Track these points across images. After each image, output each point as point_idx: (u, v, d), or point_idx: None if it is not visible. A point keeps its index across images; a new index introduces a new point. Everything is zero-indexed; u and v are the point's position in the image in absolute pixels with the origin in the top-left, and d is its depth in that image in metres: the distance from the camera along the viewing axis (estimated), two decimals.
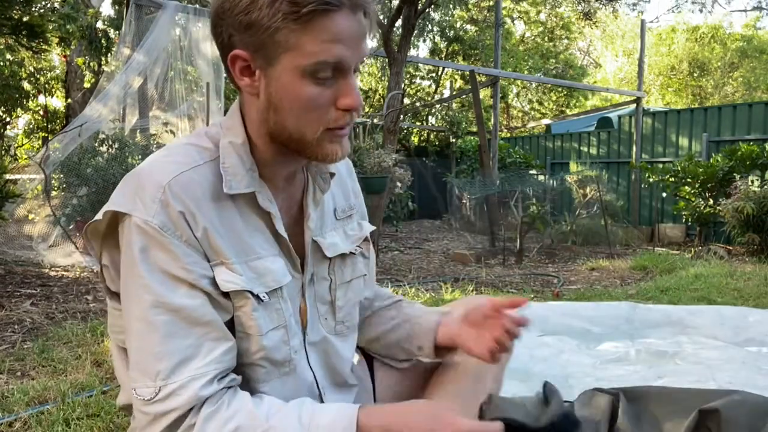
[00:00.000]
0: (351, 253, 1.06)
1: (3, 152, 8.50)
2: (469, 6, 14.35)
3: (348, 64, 0.82)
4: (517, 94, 18.18)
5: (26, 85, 8.57)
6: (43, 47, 5.10)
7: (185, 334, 0.81)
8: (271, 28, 0.79)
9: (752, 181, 6.26)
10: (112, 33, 8.36)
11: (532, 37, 17.36)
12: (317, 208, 1.00)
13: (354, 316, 1.08)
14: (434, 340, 1.10)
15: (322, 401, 1.01)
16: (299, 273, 0.98)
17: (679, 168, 7.28)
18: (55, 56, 9.57)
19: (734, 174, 6.72)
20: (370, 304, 1.20)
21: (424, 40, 14.85)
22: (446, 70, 14.77)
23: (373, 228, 1.15)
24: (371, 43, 0.87)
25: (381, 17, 8.05)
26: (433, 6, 11.62)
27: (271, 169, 0.92)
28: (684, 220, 7.62)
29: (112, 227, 0.87)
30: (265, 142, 0.90)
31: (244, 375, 0.90)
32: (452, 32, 14.32)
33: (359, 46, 0.83)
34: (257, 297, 0.88)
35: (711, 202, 7.02)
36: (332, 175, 1.01)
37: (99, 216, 0.86)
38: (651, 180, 7.94)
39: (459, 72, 14.60)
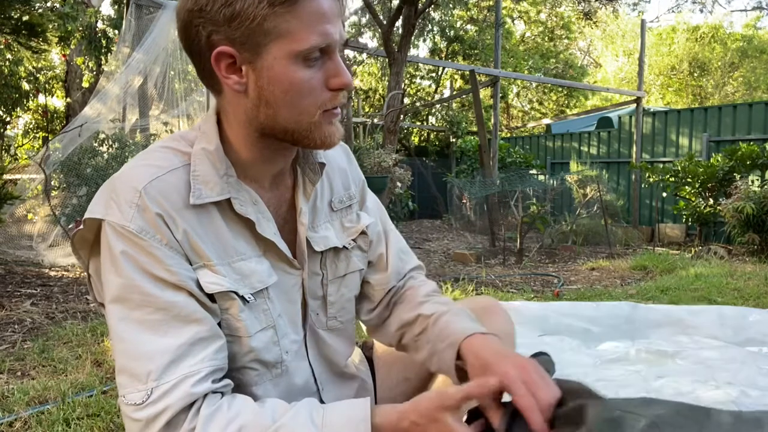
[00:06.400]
0: (344, 247, 1.02)
1: (3, 152, 8.51)
2: (469, 6, 14.35)
3: (335, 44, 0.82)
4: (517, 94, 18.18)
5: (25, 85, 8.57)
6: (43, 47, 5.10)
7: (176, 333, 0.79)
8: (258, 16, 0.77)
9: (752, 181, 6.26)
10: (111, 32, 8.35)
11: (532, 37, 17.36)
12: (308, 201, 0.98)
13: (349, 311, 1.05)
14: (455, 375, 0.98)
15: (320, 398, 1.01)
16: (297, 269, 0.96)
17: (680, 168, 7.28)
18: (55, 55, 9.57)
19: (734, 174, 6.72)
20: (395, 298, 1.11)
21: (424, 40, 14.84)
22: (446, 70, 14.76)
23: (372, 220, 1.09)
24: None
25: (381, 17, 8.04)
26: (433, 6, 11.61)
27: (257, 169, 0.91)
28: (684, 219, 7.62)
29: (98, 236, 0.86)
30: (250, 142, 0.88)
31: (235, 379, 0.88)
32: (452, 32, 14.32)
33: (339, 25, 0.82)
34: (242, 298, 0.87)
35: (711, 201, 7.02)
36: (322, 165, 0.98)
37: (81, 225, 0.85)
38: (651, 180, 7.94)
39: (459, 72, 14.60)
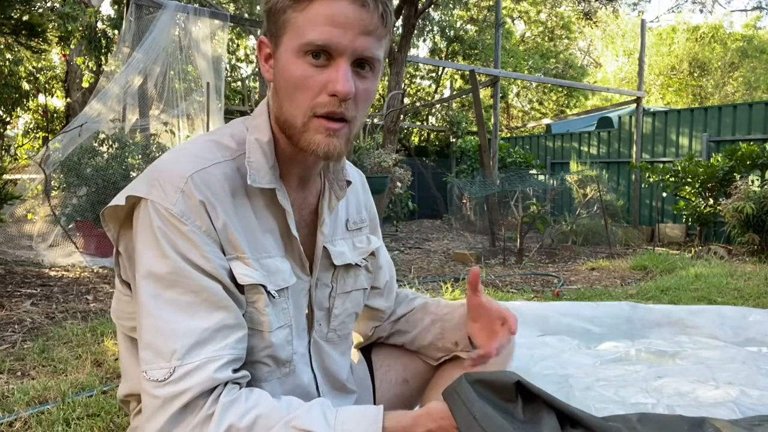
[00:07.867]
0: (356, 264, 1.07)
1: (3, 152, 8.50)
2: (469, 6, 14.35)
3: (338, 49, 0.82)
4: (517, 94, 18.18)
5: (25, 85, 8.56)
6: (43, 47, 5.10)
7: (204, 316, 0.81)
8: (279, 10, 0.85)
9: (752, 181, 6.26)
10: (111, 32, 8.35)
11: (532, 37, 17.36)
12: (331, 214, 1.01)
13: (348, 326, 1.09)
14: (467, 334, 1.12)
15: None
16: (308, 276, 0.99)
17: (680, 168, 7.29)
18: (55, 56, 9.57)
19: (734, 174, 6.72)
20: (391, 313, 1.23)
21: (424, 40, 14.86)
22: (446, 70, 14.77)
23: (380, 244, 1.15)
24: (380, 42, 0.86)
25: None
26: (433, 6, 11.61)
27: (287, 166, 0.94)
28: (684, 219, 7.62)
29: (130, 215, 0.87)
30: (279, 134, 0.92)
31: None
32: (452, 32, 14.32)
33: (356, 36, 0.82)
34: (269, 293, 0.89)
35: (711, 201, 7.02)
36: (349, 183, 1.03)
37: (120, 201, 0.86)
38: (651, 180, 7.94)
39: (459, 72, 14.61)
